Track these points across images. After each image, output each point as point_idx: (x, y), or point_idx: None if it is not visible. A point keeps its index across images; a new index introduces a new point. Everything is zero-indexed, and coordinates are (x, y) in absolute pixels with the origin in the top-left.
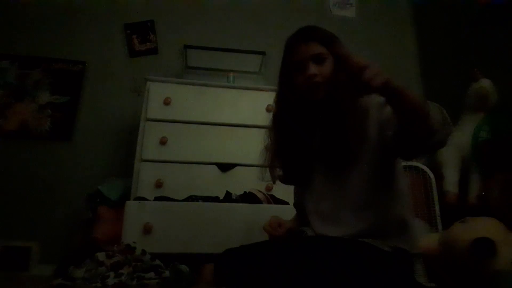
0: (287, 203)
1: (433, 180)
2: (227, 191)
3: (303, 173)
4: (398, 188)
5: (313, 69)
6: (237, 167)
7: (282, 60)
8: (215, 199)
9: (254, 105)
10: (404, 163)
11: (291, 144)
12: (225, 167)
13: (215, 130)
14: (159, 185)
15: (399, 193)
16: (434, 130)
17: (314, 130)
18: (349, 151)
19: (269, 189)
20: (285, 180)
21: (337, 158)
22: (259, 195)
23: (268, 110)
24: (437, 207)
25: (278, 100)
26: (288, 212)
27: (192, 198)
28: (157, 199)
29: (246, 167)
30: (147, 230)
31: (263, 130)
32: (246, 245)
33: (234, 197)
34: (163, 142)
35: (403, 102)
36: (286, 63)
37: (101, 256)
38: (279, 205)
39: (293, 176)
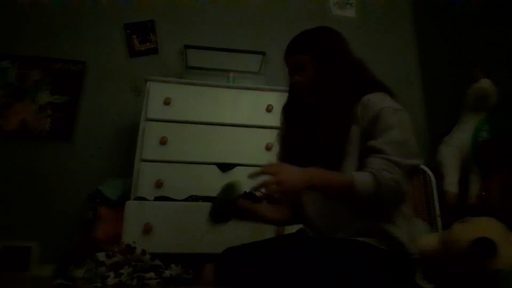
0: None
1: (433, 180)
2: None
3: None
4: None
5: (296, 77)
6: (237, 167)
7: None
8: None
9: (254, 105)
10: None
11: (296, 139)
12: (225, 167)
13: (215, 130)
14: (159, 185)
15: None
16: (368, 203)
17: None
18: (334, 149)
19: None
20: None
21: (328, 155)
22: (259, 195)
23: (268, 110)
24: (437, 207)
25: (284, 107)
26: None
27: (192, 198)
28: (157, 199)
29: (246, 167)
30: (147, 230)
31: (263, 130)
32: (247, 244)
33: None
34: (163, 142)
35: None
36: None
37: (101, 256)
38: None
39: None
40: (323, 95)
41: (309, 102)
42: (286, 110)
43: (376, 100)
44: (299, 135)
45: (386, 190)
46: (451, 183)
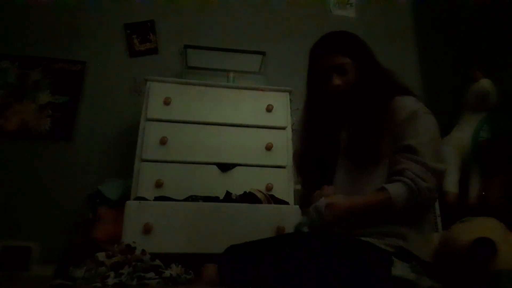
0: (287, 203)
1: None
2: (227, 191)
3: (328, 172)
4: None
5: (336, 80)
6: (237, 167)
7: (308, 67)
8: (215, 199)
9: (254, 105)
10: None
11: (319, 141)
12: (225, 167)
13: (215, 130)
14: (159, 185)
15: None
16: (401, 213)
17: (341, 127)
18: (370, 148)
19: (269, 189)
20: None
21: (360, 154)
22: (259, 195)
23: (268, 110)
24: (437, 207)
25: (306, 104)
26: (288, 212)
27: (192, 198)
28: (157, 199)
29: (246, 167)
30: (147, 230)
31: (263, 130)
32: (249, 242)
33: (234, 197)
34: (163, 142)
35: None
36: (311, 72)
37: (101, 256)
38: (279, 205)
39: (318, 174)
40: (360, 101)
41: (341, 105)
42: (311, 110)
43: (409, 102)
44: (322, 136)
45: (420, 200)
46: (451, 183)
